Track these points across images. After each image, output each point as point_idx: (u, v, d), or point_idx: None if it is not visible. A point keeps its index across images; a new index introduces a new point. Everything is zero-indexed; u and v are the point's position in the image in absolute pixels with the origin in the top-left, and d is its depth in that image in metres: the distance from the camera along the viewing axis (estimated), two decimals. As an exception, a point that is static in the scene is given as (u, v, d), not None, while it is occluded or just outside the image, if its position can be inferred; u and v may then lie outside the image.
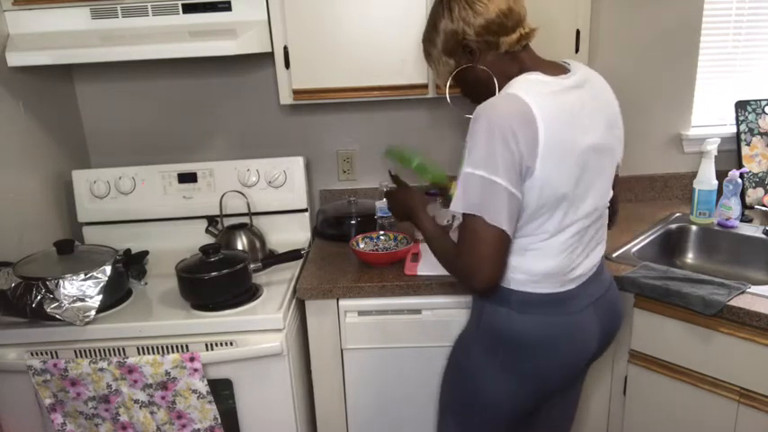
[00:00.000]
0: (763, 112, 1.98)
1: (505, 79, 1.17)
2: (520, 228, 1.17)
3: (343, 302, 1.60)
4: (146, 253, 1.79)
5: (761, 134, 1.98)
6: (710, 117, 2.12)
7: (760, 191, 1.96)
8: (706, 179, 1.85)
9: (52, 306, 1.43)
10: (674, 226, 1.90)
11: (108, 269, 1.50)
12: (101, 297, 1.46)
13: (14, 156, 1.73)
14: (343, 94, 1.75)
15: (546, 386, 1.27)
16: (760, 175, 1.97)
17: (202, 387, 1.45)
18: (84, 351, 1.47)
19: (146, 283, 1.69)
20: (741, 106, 1.99)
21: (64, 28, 1.68)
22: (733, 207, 1.82)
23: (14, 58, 1.63)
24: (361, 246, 1.74)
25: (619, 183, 1.36)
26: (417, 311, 1.59)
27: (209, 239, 1.88)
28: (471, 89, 1.28)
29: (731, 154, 2.01)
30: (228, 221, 1.90)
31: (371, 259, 1.68)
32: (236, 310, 1.51)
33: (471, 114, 1.14)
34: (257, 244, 1.82)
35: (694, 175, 1.90)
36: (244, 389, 1.51)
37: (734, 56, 2.06)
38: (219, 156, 2.10)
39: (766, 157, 1.97)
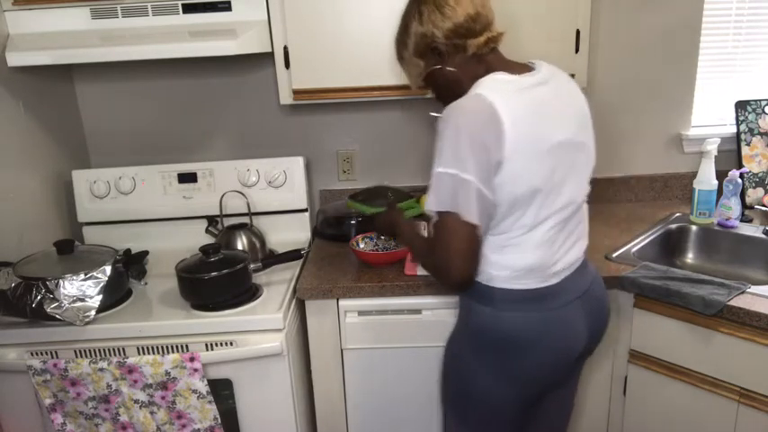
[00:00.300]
0: (763, 112, 1.98)
1: (473, 80, 1.21)
2: (497, 224, 1.19)
3: (343, 302, 1.60)
4: (146, 253, 1.79)
5: (761, 134, 1.98)
6: (710, 117, 2.12)
7: (760, 191, 1.96)
8: (706, 179, 1.85)
9: (52, 306, 1.43)
10: (674, 226, 1.90)
11: (108, 269, 1.50)
12: (101, 297, 1.46)
13: (14, 156, 1.73)
14: (343, 94, 1.75)
15: (536, 384, 1.28)
16: (760, 175, 1.97)
17: (202, 387, 1.45)
18: (84, 351, 1.47)
19: (146, 283, 1.69)
20: (741, 106, 1.99)
21: (64, 28, 1.68)
22: (733, 207, 1.82)
23: (14, 58, 1.63)
24: (361, 246, 1.74)
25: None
26: (417, 311, 1.59)
27: (209, 239, 1.88)
28: (441, 90, 1.32)
29: (731, 154, 2.01)
30: (228, 221, 1.90)
31: (371, 259, 1.68)
32: (236, 310, 1.51)
33: (437, 112, 1.19)
34: (257, 244, 1.82)
35: (694, 175, 1.90)
36: (244, 389, 1.51)
37: (734, 56, 2.06)
38: (219, 156, 2.10)
39: (766, 157, 1.97)
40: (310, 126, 2.09)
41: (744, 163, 1.97)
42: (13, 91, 1.72)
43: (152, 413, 1.47)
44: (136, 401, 1.46)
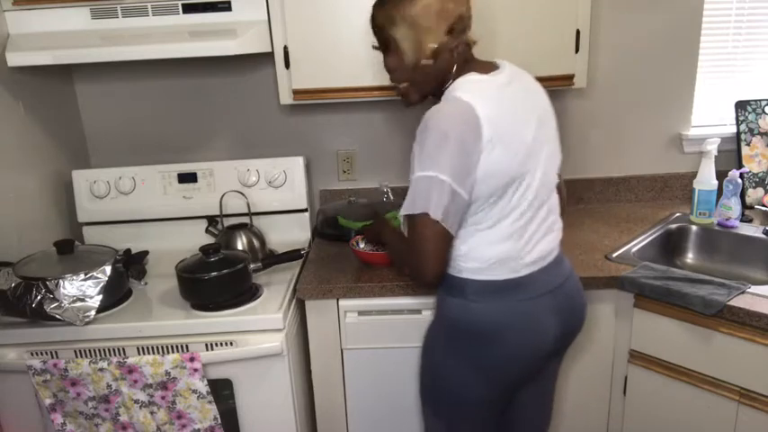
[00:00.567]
0: (763, 112, 1.98)
1: (448, 76, 1.25)
2: (467, 217, 1.23)
3: (343, 302, 1.60)
4: (146, 253, 1.79)
5: (761, 134, 1.98)
6: (710, 117, 2.12)
7: (760, 191, 1.96)
8: (706, 179, 1.85)
9: (52, 306, 1.43)
10: (674, 226, 1.90)
11: (108, 269, 1.50)
12: (101, 297, 1.46)
13: (14, 156, 1.73)
14: (343, 94, 1.75)
15: (504, 376, 1.30)
16: (760, 175, 1.97)
17: (202, 387, 1.45)
18: (84, 351, 1.47)
19: (146, 283, 1.69)
20: (741, 106, 1.99)
21: (64, 28, 1.68)
22: (733, 207, 1.82)
23: (14, 58, 1.63)
24: (361, 246, 1.74)
25: (561, 177, 1.40)
26: (417, 311, 1.59)
27: (209, 239, 1.88)
28: (424, 83, 1.30)
29: (731, 154, 2.01)
30: (228, 221, 1.90)
31: (371, 259, 1.68)
32: (236, 310, 1.51)
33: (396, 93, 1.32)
34: (257, 244, 1.82)
35: (694, 175, 1.90)
36: (244, 389, 1.51)
37: (734, 56, 2.06)
38: (219, 156, 2.10)
39: (766, 157, 1.97)
40: (310, 126, 2.09)
41: (744, 163, 1.97)
42: (13, 91, 1.72)
43: (152, 413, 1.47)
44: (136, 401, 1.46)
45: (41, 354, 1.47)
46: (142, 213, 1.96)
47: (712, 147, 1.83)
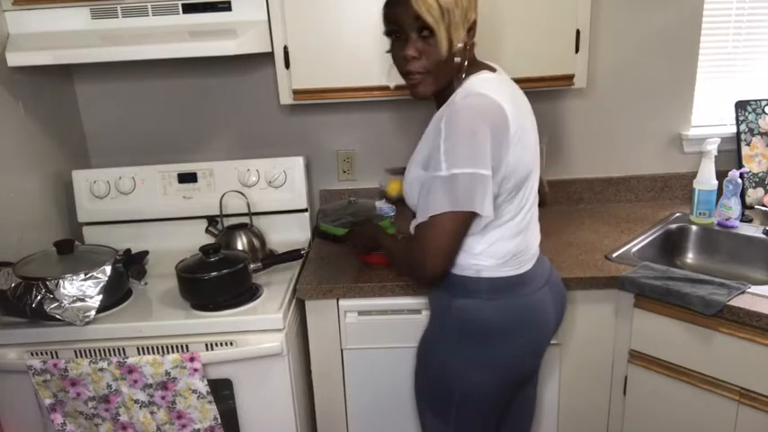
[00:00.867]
0: (763, 112, 1.98)
1: (457, 71, 1.24)
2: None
3: (343, 302, 1.60)
4: (146, 253, 1.79)
5: (761, 134, 1.98)
6: (710, 117, 2.12)
7: (760, 191, 1.96)
8: (706, 179, 1.85)
9: (52, 306, 1.43)
10: (674, 226, 1.90)
11: (108, 269, 1.50)
12: (101, 297, 1.46)
13: (14, 156, 1.73)
14: (343, 94, 1.75)
15: (517, 370, 1.33)
16: (760, 175, 1.97)
17: (202, 387, 1.45)
18: (84, 351, 1.47)
19: (146, 283, 1.69)
20: (741, 106, 1.99)
21: (64, 28, 1.68)
22: (733, 207, 1.82)
23: (14, 58, 1.63)
24: (361, 246, 1.74)
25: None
26: (417, 311, 1.59)
27: (210, 239, 1.88)
28: (444, 74, 1.25)
29: (731, 154, 2.01)
30: (228, 221, 1.90)
31: (371, 259, 1.68)
32: (236, 310, 1.51)
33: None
34: (257, 244, 1.82)
35: (694, 175, 1.90)
36: (244, 389, 1.51)
37: (734, 56, 2.06)
38: (219, 156, 2.10)
39: (766, 157, 1.97)
40: (310, 126, 2.09)
41: (744, 163, 1.97)
42: (13, 91, 1.72)
43: (152, 413, 1.47)
44: (136, 401, 1.46)
45: (41, 354, 1.47)
46: (142, 213, 1.96)
47: (712, 147, 1.83)
